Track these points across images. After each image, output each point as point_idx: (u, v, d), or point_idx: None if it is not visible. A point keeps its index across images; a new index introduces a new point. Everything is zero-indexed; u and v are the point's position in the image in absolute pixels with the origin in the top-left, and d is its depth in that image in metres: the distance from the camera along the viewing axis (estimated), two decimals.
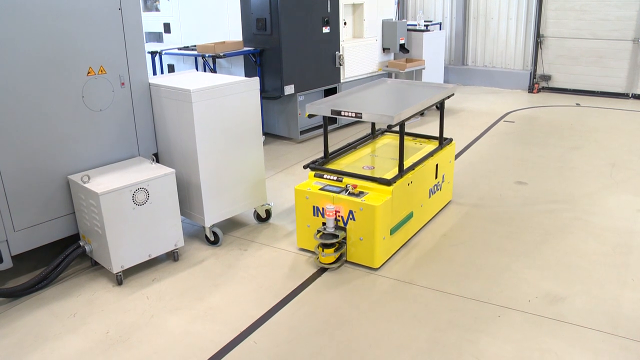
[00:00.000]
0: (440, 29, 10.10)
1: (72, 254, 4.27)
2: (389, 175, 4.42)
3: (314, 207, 4.40)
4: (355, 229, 4.26)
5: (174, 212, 4.34)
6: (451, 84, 5.31)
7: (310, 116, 4.69)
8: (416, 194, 4.70)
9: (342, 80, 7.78)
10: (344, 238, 4.33)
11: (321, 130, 7.71)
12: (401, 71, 8.08)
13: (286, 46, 6.89)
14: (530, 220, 5.01)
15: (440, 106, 5.27)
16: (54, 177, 4.24)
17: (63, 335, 3.61)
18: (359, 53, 8.01)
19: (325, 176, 4.54)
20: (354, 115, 4.34)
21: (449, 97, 5.18)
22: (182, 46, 7.74)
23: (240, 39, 7.21)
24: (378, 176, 4.39)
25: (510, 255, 4.40)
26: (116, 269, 4.11)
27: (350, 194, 4.25)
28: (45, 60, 4.02)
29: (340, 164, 4.84)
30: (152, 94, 4.66)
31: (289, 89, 7.07)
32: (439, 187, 5.14)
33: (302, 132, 7.53)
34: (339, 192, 4.29)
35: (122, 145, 4.59)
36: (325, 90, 7.70)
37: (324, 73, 7.52)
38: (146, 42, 8.89)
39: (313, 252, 4.57)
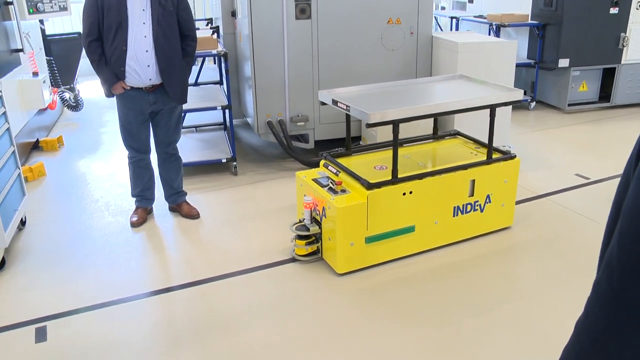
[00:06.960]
0: None
1: None
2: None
3: (304, 195, 4.20)
4: (327, 227, 3.98)
5: None
6: (519, 90, 4.43)
7: (322, 103, 4.53)
8: (423, 207, 4.12)
9: (622, 62, 8.11)
10: (319, 234, 4.09)
11: (591, 105, 8.27)
12: None
13: (567, 22, 7.60)
14: None
15: (490, 113, 4.33)
16: None
17: None
18: None
19: (329, 167, 4.30)
20: (345, 107, 4.08)
21: (508, 103, 4.37)
22: (477, 15, 8.97)
23: (528, 12, 8.14)
24: (365, 177, 3.95)
25: None
26: None
27: (329, 189, 3.98)
28: (360, 11, 5.78)
29: (356, 159, 4.48)
30: (433, 43, 6.09)
31: (564, 62, 7.79)
32: (475, 208, 4.37)
33: (570, 105, 8.19)
34: (323, 186, 4.04)
35: (403, 78, 6.14)
36: (604, 69, 8.16)
37: (604, 52, 7.96)
38: (452, 8, 10.41)
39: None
